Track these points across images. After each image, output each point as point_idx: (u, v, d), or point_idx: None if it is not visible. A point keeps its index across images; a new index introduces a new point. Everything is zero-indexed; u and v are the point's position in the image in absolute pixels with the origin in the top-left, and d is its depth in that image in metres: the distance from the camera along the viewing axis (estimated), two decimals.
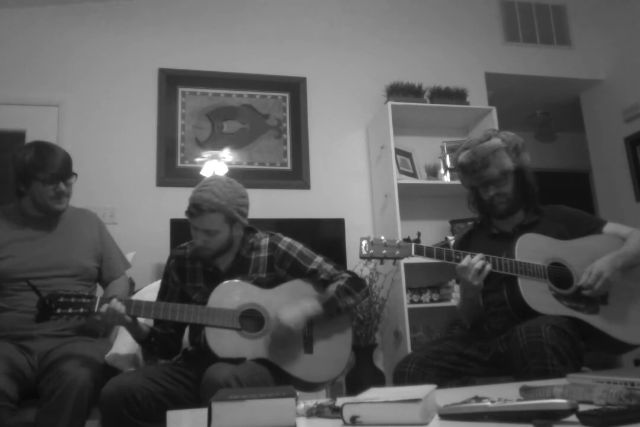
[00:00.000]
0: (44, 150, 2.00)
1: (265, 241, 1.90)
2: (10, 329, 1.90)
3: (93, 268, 2.09)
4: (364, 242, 1.69)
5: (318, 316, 1.77)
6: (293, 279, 1.86)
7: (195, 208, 1.74)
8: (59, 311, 1.62)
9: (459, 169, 1.99)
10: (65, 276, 2.00)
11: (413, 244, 1.72)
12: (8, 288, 1.94)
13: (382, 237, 1.71)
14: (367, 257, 1.70)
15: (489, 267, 1.72)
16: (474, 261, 1.71)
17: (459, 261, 1.74)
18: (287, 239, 1.91)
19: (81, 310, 1.64)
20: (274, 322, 1.72)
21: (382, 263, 1.77)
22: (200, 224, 1.76)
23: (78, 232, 2.10)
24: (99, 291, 2.15)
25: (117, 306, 1.65)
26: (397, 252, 1.70)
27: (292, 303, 1.76)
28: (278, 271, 1.86)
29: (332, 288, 1.81)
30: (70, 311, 1.63)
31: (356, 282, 1.85)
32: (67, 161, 2.03)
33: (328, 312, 1.77)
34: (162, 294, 1.90)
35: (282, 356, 1.72)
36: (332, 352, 1.80)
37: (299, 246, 1.89)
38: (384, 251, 1.69)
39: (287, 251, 1.86)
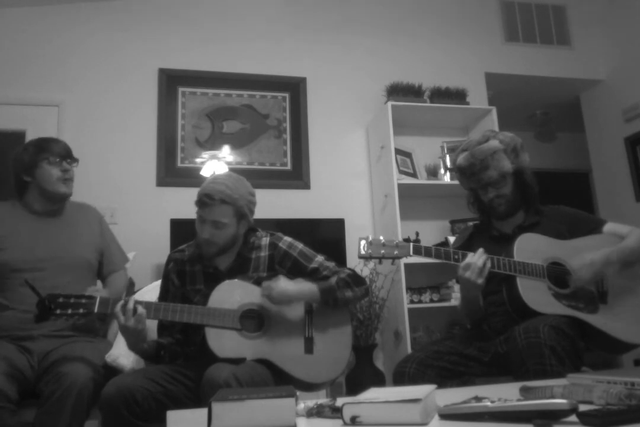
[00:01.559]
0: (45, 138, 2.13)
1: (265, 240, 1.90)
2: (11, 328, 1.91)
3: (94, 260, 2.11)
4: (363, 242, 1.70)
5: (313, 300, 1.77)
6: (293, 278, 1.86)
7: (208, 197, 1.74)
8: (58, 311, 1.61)
9: (457, 172, 1.99)
10: (66, 268, 2.01)
11: (411, 244, 1.72)
12: (8, 282, 1.95)
13: (381, 237, 1.72)
14: (365, 257, 1.71)
15: (489, 264, 1.73)
16: (476, 258, 1.72)
17: (457, 260, 1.74)
18: (288, 239, 1.91)
19: (80, 311, 1.63)
20: (265, 290, 1.73)
21: (380, 263, 1.78)
22: (209, 214, 1.76)
23: (79, 225, 2.12)
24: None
25: (139, 308, 1.64)
26: (396, 252, 1.71)
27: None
28: (279, 270, 1.86)
29: (333, 279, 1.82)
30: (69, 311, 1.62)
31: (357, 278, 1.86)
32: (68, 146, 2.12)
33: (324, 299, 1.77)
34: (163, 299, 1.89)
35: (282, 356, 1.72)
36: (332, 353, 1.80)
37: (300, 245, 1.90)
38: (383, 251, 1.70)
39: (287, 250, 1.87)
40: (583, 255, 1.78)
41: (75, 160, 2.11)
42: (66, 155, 2.07)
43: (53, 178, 2.03)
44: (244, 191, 1.81)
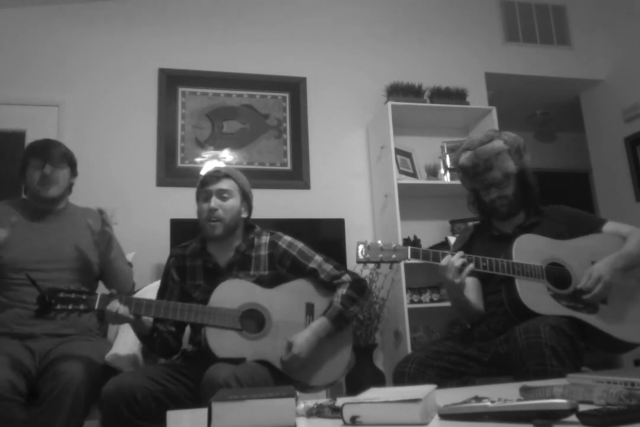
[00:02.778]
0: (38, 141, 2.14)
1: (265, 239, 1.91)
2: (13, 326, 1.92)
3: (94, 263, 2.10)
4: (361, 247, 1.70)
5: (329, 332, 1.77)
6: (295, 279, 1.86)
7: (215, 172, 1.87)
8: (58, 306, 1.61)
9: (460, 171, 1.98)
10: (64, 270, 2.01)
11: (409, 248, 1.72)
12: (10, 282, 1.96)
13: (379, 242, 1.72)
14: (363, 262, 1.71)
15: (471, 266, 1.72)
16: (454, 259, 1.71)
17: None
18: (288, 238, 1.92)
19: (81, 306, 1.64)
20: (287, 354, 1.70)
21: (378, 267, 1.78)
22: (216, 185, 1.84)
23: (80, 229, 2.11)
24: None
25: (121, 308, 1.65)
26: (394, 255, 1.71)
27: (301, 327, 1.76)
28: (279, 269, 1.87)
29: (337, 299, 1.79)
30: (70, 307, 1.62)
31: (358, 285, 1.85)
32: (60, 151, 2.11)
33: (337, 326, 1.78)
34: (162, 292, 1.91)
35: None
36: (332, 355, 1.79)
37: (300, 245, 1.90)
38: (381, 255, 1.70)
39: (287, 249, 1.87)
40: (589, 268, 1.76)
41: (65, 165, 2.09)
42: (48, 158, 2.05)
43: (33, 181, 2.06)
44: (243, 176, 1.94)
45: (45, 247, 2.02)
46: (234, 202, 1.85)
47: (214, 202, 1.82)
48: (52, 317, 1.67)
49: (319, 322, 1.76)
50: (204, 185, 1.86)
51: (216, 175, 1.86)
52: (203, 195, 1.86)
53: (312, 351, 1.72)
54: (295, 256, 1.86)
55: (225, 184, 1.85)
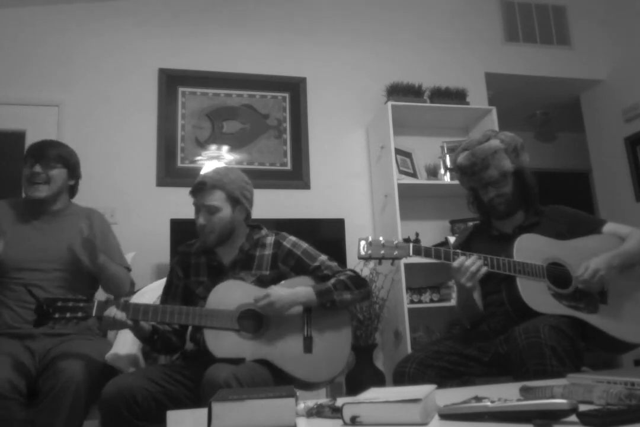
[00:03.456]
0: (42, 141, 2.13)
1: (270, 239, 1.92)
2: (12, 326, 1.92)
3: None
4: (362, 243, 1.70)
5: (309, 303, 1.76)
6: (294, 277, 1.86)
7: (199, 184, 1.82)
8: (57, 315, 1.62)
9: (458, 171, 1.99)
10: (63, 270, 2.01)
11: (411, 244, 1.72)
12: (9, 281, 1.96)
13: (381, 238, 1.71)
14: (365, 258, 1.70)
15: (484, 269, 1.71)
16: (468, 263, 1.70)
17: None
18: (293, 238, 1.93)
19: (79, 314, 1.64)
20: (262, 299, 1.72)
21: (380, 263, 1.77)
22: (201, 199, 1.82)
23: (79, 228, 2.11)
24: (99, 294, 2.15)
25: (118, 314, 1.65)
26: (395, 252, 1.70)
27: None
28: (282, 268, 1.87)
29: (331, 280, 1.81)
30: (68, 315, 1.63)
31: (357, 279, 1.85)
32: (55, 151, 2.08)
33: (321, 301, 1.77)
34: (167, 290, 1.94)
35: (282, 356, 1.72)
36: (332, 351, 1.79)
37: (304, 245, 1.91)
38: (382, 252, 1.69)
39: (291, 248, 1.88)
40: (586, 262, 1.77)
41: (56, 164, 2.06)
42: (37, 156, 2.04)
43: (24, 180, 2.06)
44: (234, 177, 1.86)
45: (43, 247, 2.02)
46: (223, 214, 1.82)
47: (202, 218, 1.81)
48: (51, 326, 1.67)
49: (303, 288, 1.77)
50: (194, 195, 1.85)
51: (202, 187, 1.81)
52: (194, 205, 1.85)
53: (286, 308, 1.73)
54: (300, 255, 1.87)
55: (210, 199, 1.80)
